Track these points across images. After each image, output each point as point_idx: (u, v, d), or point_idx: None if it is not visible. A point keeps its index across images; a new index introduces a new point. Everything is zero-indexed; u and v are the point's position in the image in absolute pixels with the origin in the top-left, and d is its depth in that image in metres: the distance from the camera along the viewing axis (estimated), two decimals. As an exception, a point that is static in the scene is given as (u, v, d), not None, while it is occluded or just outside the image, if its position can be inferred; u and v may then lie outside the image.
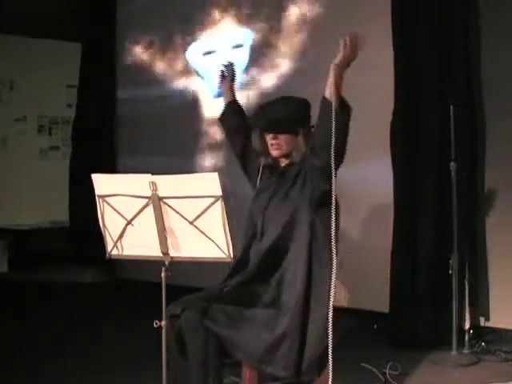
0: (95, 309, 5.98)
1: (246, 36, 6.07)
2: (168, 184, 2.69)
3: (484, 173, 4.74)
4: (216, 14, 6.29)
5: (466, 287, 4.63)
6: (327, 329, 2.74)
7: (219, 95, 6.22)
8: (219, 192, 2.63)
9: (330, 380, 2.81)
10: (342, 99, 2.87)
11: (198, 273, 3.66)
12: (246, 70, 6.04)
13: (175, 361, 2.93)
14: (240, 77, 6.05)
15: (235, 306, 2.94)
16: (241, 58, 6.06)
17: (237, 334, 2.89)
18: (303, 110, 3.19)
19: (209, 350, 2.86)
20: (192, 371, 2.89)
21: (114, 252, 2.87)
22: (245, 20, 6.06)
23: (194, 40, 6.47)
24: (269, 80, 5.73)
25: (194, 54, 6.50)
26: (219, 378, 2.92)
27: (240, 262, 3.15)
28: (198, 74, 6.42)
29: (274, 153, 3.17)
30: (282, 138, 3.13)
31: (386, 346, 4.60)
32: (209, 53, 6.39)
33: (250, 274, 3.08)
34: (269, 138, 3.16)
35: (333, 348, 2.74)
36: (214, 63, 6.31)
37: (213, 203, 2.65)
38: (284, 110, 3.14)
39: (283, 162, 3.21)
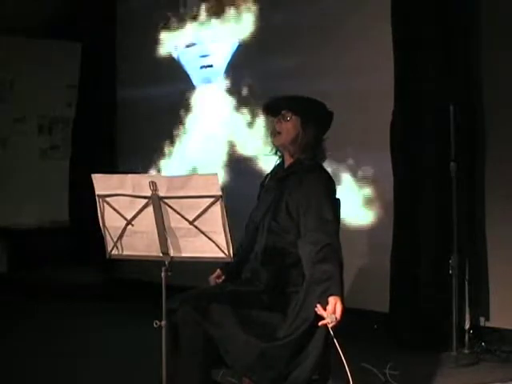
0: (95, 309, 5.98)
1: (231, 32, 6.09)
2: (168, 184, 2.68)
3: (484, 173, 4.74)
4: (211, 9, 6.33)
5: (466, 287, 4.63)
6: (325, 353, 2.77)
7: (201, 82, 6.31)
8: (219, 192, 2.63)
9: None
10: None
11: (197, 273, 3.65)
12: (230, 66, 6.07)
13: (168, 355, 2.92)
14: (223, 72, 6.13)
15: (234, 308, 2.93)
16: (226, 48, 6.08)
17: (230, 338, 2.85)
18: (313, 108, 3.21)
19: (200, 348, 2.85)
20: (181, 367, 2.89)
21: (114, 252, 2.86)
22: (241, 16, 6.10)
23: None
24: (266, 79, 5.72)
25: (178, 47, 6.58)
26: (206, 377, 2.91)
27: (240, 263, 3.16)
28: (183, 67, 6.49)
29: (275, 141, 3.21)
30: (285, 126, 3.15)
31: (386, 346, 4.61)
32: (191, 45, 6.42)
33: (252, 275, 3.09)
34: (274, 123, 3.20)
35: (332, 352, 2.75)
36: (195, 51, 6.39)
37: (213, 203, 2.64)
38: (293, 99, 3.21)
39: (288, 161, 3.22)
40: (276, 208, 3.12)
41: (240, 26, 6.08)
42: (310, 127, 3.16)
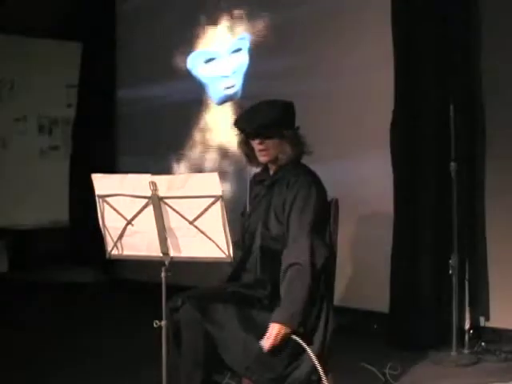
0: (95, 309, 5.98)
1: (244, 39, 6.06)
2: (168, 184, 2.68)
3: (484, 173, 4.74)
4: (214, 15, 6.30)
5: (466, 287, 4.63)
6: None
7: (222, 102, 6.26)
8: (219, 192, 2.63)
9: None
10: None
11: (197, 273, 3.66)
12: (248, 72, 6.05)
13: (171, 353, 2.93)
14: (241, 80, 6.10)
15: (236, 308, 2.93)
16: (241, 62, 6.06)
17: (230, 338, 2.86)
18: (287, 112, 3.16)
19: (201, 348, 2.87)
20: (182, 367, 2.91)
21: (114, 252, 2.87)
22: (240, 21, 6.07)
23: (191, 41, 6.48)
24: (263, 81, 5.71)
25: (195, 62, 6.49)
26: (207, 377, 2.93)
27: (241, 263, 3.16)
28: (200, 82, 6.41)
29: (262, 159, 3.15)
30: (270, 143, 3.10)
31: (386, 345, 4.60)
32: (209, 60, 6.38)
33: (254, 278, 3.09)
34: (255, 143, 3.13)
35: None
36: (215, 69, 6.34)
37: (213, 203, 2.65)
38: (268, 115, 3.10)
39: (272, 168, 3.20)
40: (267, 217, 3.12)
41: (242, 28, 6.07)
42: (287, 131, 3.11)
